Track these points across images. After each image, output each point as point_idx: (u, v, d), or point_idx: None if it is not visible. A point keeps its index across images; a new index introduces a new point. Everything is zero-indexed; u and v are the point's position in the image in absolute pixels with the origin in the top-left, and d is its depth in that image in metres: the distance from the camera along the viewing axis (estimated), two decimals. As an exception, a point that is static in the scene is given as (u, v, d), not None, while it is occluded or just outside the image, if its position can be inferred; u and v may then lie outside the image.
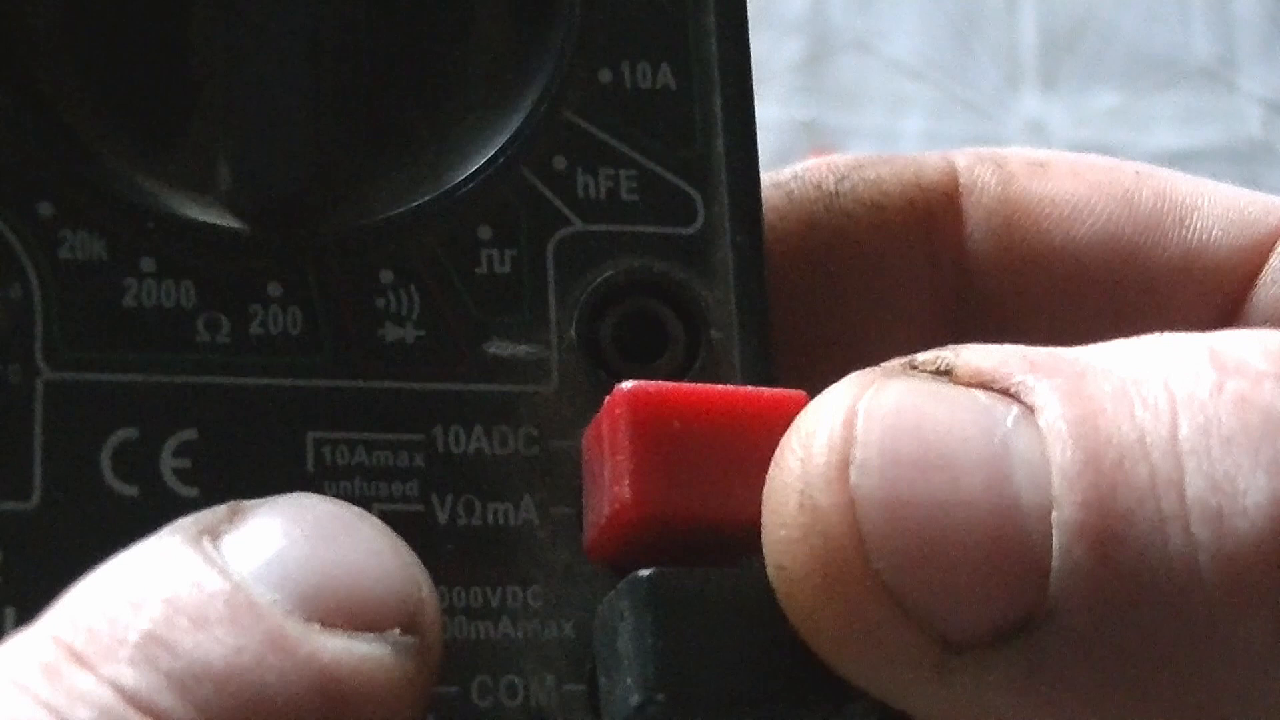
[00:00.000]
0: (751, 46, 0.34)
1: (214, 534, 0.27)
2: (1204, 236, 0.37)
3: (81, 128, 0.31)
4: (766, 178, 0.35)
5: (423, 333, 0.31)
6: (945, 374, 0.29)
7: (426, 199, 0.32)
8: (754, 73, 0.34)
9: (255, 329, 0.31)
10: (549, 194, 0.32)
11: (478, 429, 0.31)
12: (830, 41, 0.92)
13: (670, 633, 0.28)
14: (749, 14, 0.34)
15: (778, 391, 0.30)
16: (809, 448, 0.28)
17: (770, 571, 0.28)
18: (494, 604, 0.30)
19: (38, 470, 0.29)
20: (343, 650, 0.27)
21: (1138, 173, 0.37)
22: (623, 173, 0.32)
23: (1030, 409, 0.28)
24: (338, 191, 0.32)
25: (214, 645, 0.26)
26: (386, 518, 0.29)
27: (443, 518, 0.31)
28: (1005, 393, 0.28)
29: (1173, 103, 0.92)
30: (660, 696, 0.27)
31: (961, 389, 0.28)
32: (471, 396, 0.31)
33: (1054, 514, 0.27)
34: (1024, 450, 0.28)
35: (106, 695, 0.25)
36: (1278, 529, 0.26)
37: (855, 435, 0.28)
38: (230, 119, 0.31)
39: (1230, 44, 0.92)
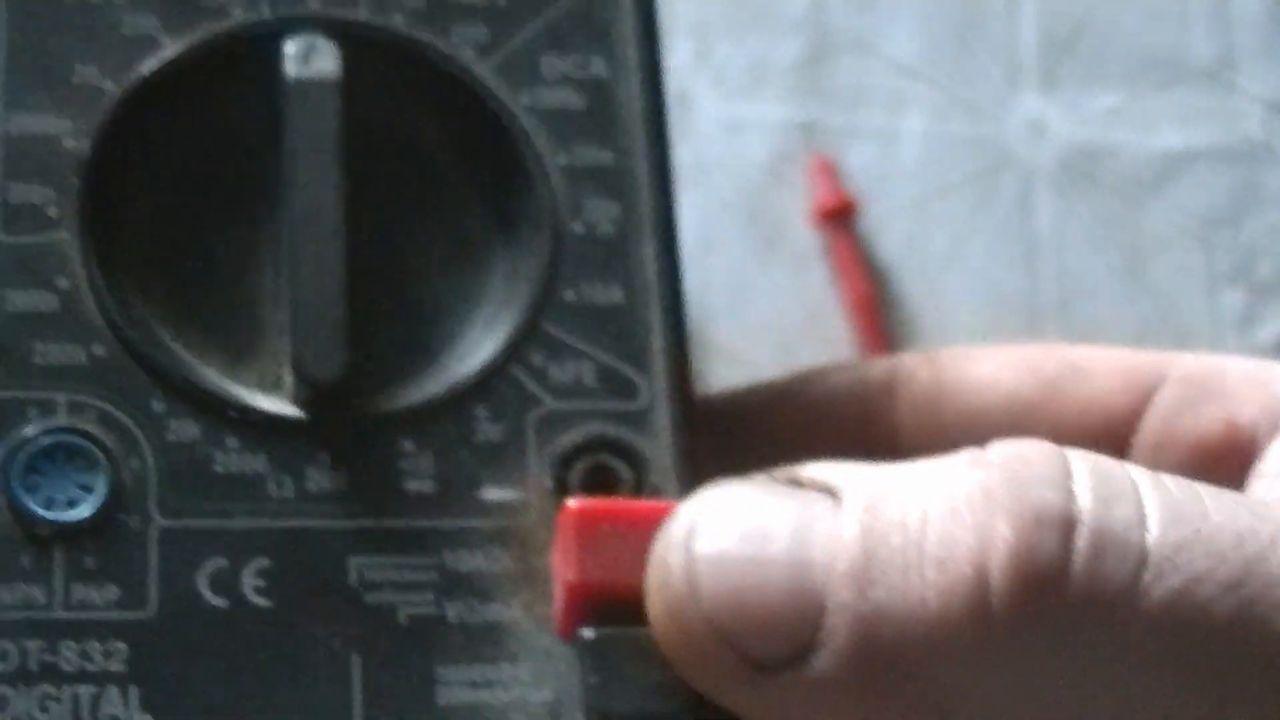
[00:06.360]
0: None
1: None
2: (1100, 389, 0.48)
3: (181, 348, 0.44)
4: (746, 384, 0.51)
5: (436, 485, 0.44)
6: (792, 481, 0.40)
7: (438, 392, 0.45)
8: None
9: (310, 486, 0.43)
10: (530, 383, 0.45)
11: (478, 553, 0.43)
12: (830, 41, 0.92)
13: (607, 671, 0.40)
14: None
15: (676, 501, 0.42)
16: (670, 524, 0.40)
17: (649, 619, 0.40)
18: (493, 677, 0.42)
19: (152, 590, 0.42)
20: None
21: (1048, 350, 0.49)
22: (585, 365, 0.45)
23: (840, 500, 0.39)
24: (371, 388, 0.44)
25: None
26: (411, 619, 0.42)
27: (453, 617, 0.43)
28: (826, 489, 0.39)
29: (1173, 103, 0.91)
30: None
31: (793, 486, 0.40)
32: (473, 530, 0.44)
33: (834, 569, 0.38)
34: (825, 525, 0.38)
35: None
36: (976, 575, 0.37)
37: (702, 515, 0.40)
38: (288, 338, 0.43)
39: (1230, 44, 0.92)
